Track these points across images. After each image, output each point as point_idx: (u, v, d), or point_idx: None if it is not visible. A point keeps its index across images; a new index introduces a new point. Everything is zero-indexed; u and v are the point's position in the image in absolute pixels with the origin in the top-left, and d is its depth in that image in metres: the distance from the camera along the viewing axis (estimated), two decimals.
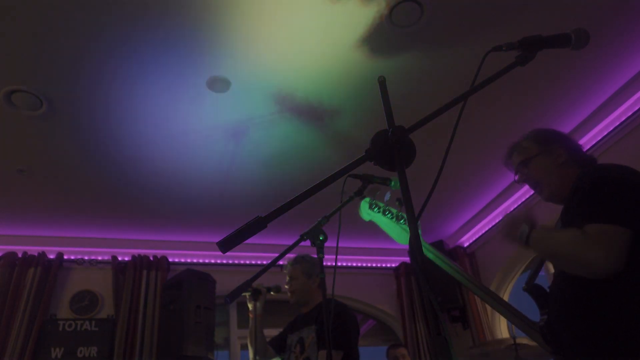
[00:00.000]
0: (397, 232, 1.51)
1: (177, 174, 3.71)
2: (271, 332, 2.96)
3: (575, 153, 1.64)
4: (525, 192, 4.20)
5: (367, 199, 1.52)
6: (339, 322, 2.46)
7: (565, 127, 3.55)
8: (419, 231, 1.50)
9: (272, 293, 2.74)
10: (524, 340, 3.04)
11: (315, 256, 1.63)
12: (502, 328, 4.66)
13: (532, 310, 1.56)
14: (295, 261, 2.77)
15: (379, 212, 1.56)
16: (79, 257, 4.37)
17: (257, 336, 2.65)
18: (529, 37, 1.21)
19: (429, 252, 1.50)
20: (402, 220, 1.51)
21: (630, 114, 3.25)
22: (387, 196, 1.59)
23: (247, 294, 2.70)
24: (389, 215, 1.54)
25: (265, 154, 3.58)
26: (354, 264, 5.17)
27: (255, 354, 2.64)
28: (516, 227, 1.45)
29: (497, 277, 4.63)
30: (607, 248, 1.24)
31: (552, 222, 1.57)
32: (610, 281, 1.26)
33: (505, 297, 4.77)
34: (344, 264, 5.05)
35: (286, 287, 2.74)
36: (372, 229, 4.72)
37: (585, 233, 1.28)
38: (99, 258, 4.42)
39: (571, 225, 1.38)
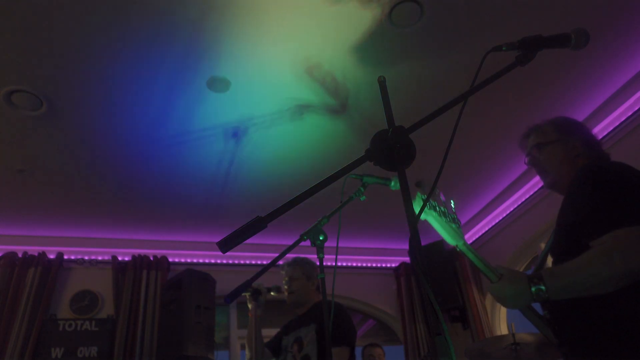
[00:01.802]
0: (447, 231, 1.45)
1: (177, 174, 3.71)
2: (271, 332, 2.96)
3: (591, 149, 1.63)
4: (525, 192, 4.20)
5: (423, 197, 1.43)
6: (340, 320, 2.50)
7: None
8: (461, 231, 1.46)
9: (272, 293, 2.74)
10: (523, 337, 3.04)
11: (315, 256, 1.63)
12: (502, 328, 4.66)
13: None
14: (296, 262, 2.79)
15: (430, 209, 1.50)
16: (79, 257, 4.37)
17: (256, 336, 2.66)
18: (529, 37, 1.21)
19: (470, 253, 1.46)
20: (453, 223, 1.46)
21: (630, 113, 3.25)
22: (442, 197, 1.53)
23: (247, 294, 2.70)
24: (444, 217, 1.48)
25: (265, 154, 3.58)
26: (354, 264, 5.17)
27: (252, 355, 2.64)
28: (520, 294, 1.31)
29: None
30: None
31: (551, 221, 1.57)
32: None
33: None
34: (344, 264, 5.05)
35: (285, 287, 2.75)
36: (372, 229, 4.73)
37: (621, 243, 1.23)
38: (99, 258, 4.42)
39: (571, 228, 1.38)
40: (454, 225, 1.45)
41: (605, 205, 1.32)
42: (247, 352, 2.75)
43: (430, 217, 1.45)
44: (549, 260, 1.63)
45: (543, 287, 1.27)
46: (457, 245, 1.44)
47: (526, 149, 1.76)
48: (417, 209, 1.46)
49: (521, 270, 4.55)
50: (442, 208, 1.45)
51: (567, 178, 1.57)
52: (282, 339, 2.74)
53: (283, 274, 2.80)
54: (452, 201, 1.50)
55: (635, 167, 1.42)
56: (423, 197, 1.44)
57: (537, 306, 1.55)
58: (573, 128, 1.68)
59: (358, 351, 4.49)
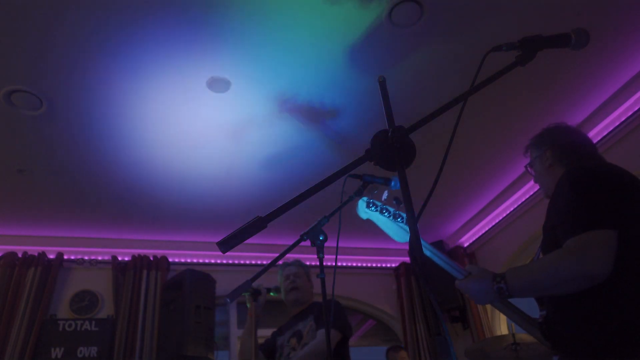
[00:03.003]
0: (394, 230, 1.55)
1: (177, 174, 3.70)
2: (268, 333, 2.95)
3: (562, 154, 1.66)
4: (525, 192, 4.20)
5: (365, 198, 1.56)
6: (335, 309, 2.55)
7: None
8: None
9: (271, 294, 2.74)
10: (523, 337, 3.04)
11: (316, 256, 1.63)
12: (502, 328, 4.65)
13: (530, 309, 1.56)
14: (299, 262, 2.86)
15: (376, 210, 1.58)
16: (79, 257, 4.37)
17: (253, 336, 2.64)
18: (528, 37, 1.21)
19: (427, 250, 1.51)
20: (399, 219, 1.52)
21: (630, 114, 3.25)
22: (385, 195, 1.60)
23: (246, 294, 2.70)
24: (386, 214, 1.57)
25: (265, 154, 3.58)
26: (354, 264, 5.17)
27: (245, 354, 2.62)
28: (485, 290, 1.37)
29: None
30: (601, 254, 1.24)
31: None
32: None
33: None
34: (344, 264, 5.05)
35: (288, 282, 2.76)
36: (372, 229, 4.73)
37: (575, 247, 1.27)
38: (99, 258, 4.42)
39: (552, 231, 1.41)
40: (401, 223, 1.51)
41: (576, 209, 1.35)
42: (238, 350, 2.73)
43: (373, 218, 1.52)
44: None
45: (503, 286, 1.32)
46: (408, 242, 1.49)
47: None
48: (359, 212, 1.55)
49: None
50: (391, 209, 1.52)
51: (552, 187, 1.62)
52: (277, 340, 2.75)
53: (284, 273, 2.81)
54: (394, 200, 1.56)
55: (631, 169, 1.42)
56: (365, 199, 1.52)
57: (534, 309, 1.55)
58: (545, 139, 1.74)
59: (381, 351, 4.48)
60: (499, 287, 1.33)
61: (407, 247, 5.18)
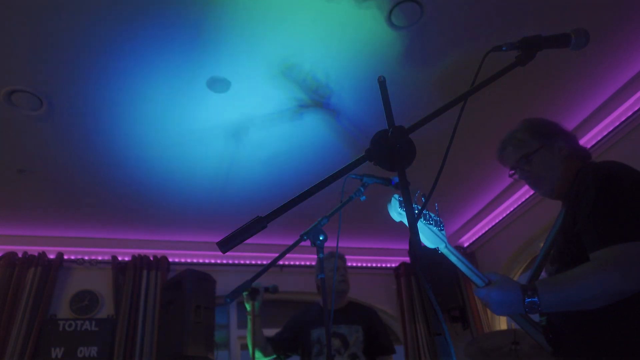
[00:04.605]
0: (427, 235, 1.40)
1: (178, 174, 3.71)
2: (270, 332, 2.94)
3: (575, 145, 1.59)
4: (525, 192, 4.20)
5: (396, 196, 1.39)
6: (384, 327, 2.77)
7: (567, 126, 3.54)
8: (444, 233, 1.42)
9: (269, 292, 2.73)
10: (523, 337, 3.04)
11: (315, 256, 1.63)
12: (502, 328, 4.65)
13: None
14: (342, 258, 2.89)
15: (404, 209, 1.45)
16: (79, 257, 4.37)
17: (256, 335, 2.64)
18: (528, 37, 1.20)
19: (452, 255, 1.44)
20: (431, 221, 1.40)
21: (630, 114, 3.25)
22: (416, 194, 1.48)
23: (244, 294, 2.68)
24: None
25: (265, 154, 3.58)
26: (354, 264, 5.16)
27: (255, 351, 2.62)
28: (510, 302, 1.28)
29: None
30: (638, 270, 1.18)
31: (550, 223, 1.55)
32: None
33: None
34: None
35: (339, 275, 2.76)
36: (372, 229, 4.72)
37: (608, 261, 1.21)
38: (99, 258, 4.42)
39: (577, 236, 1.34)
40: (434, 228, 1.38)
41: (606, 216, 1.27)
42: (250, 349, 2.71)
43: (405, 219, 1.40)
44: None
45: (537, 300, 1.25)
46: (437, 248, 1.39)
47: (509, 163, 1.68)
48: (391, 212, 1.40)
49: (519, 273, 4.55)
50: (418, 206, 1.40)
51: (564, 181, 1.53)
52: (311, 332, 2.73)
53: (335, 264, 2.77)
54: (436, 205, 1.45)
55: (634, 168, 1.40)
56: (398, 198, 1.38)
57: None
58: (550, 129, 1.63)
59: None
60: (531, 302, 1.25)
61: (407, 247, 5.17)
